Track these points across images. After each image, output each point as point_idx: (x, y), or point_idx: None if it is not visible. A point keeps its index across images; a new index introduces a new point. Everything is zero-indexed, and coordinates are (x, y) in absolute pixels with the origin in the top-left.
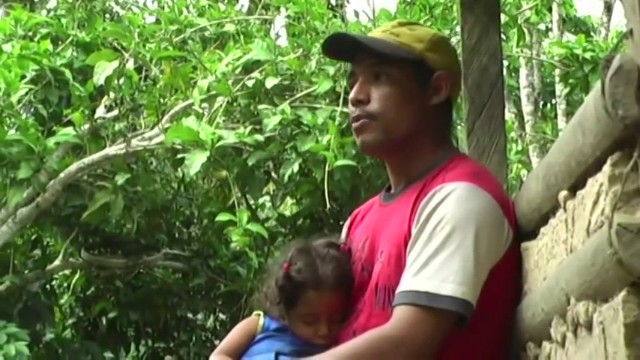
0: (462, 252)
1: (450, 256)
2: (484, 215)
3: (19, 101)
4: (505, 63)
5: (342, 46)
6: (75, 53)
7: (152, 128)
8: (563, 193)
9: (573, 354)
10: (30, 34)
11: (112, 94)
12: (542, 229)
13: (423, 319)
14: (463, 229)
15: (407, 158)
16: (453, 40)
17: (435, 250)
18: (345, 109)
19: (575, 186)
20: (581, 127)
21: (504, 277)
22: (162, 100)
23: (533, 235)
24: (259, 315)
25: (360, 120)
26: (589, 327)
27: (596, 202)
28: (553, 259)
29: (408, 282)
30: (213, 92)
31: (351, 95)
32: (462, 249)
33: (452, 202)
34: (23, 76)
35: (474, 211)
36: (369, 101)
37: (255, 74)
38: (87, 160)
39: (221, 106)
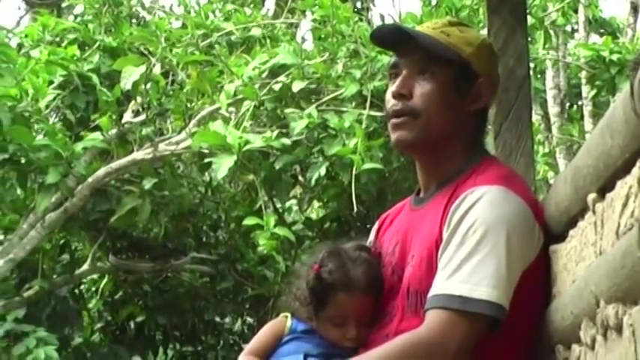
0: (494, 255)
1: (483, 259)
2: (516, 219)
3: (47, 107)
4: (531, 65)
5: (390, 37)
6: (102, 58)
7: (179, 133)
8: (592, 196)
9: (603, 357)
10: (57, 39)
11: (139, 99)
12: (571, 232)
13: (457, 323)
14: (495, 233)
15: (438, 159)
16: None
17: (468, 254)
18: (371, 112)
19: (604, 188)
20: (610, 129)
21: (534, 280)
22: (189, 105)
23: (561, 237)
24: (287, 317)
25: (401, 116)
26: (619, 330)
27: (625, 205)
28: (582, 261)
29: (441, 285)
30: (240, 96)
31: (394, 88)
32: (494, 252)
33: (484, 205)
34: (51, 82)
35: (506, 215)
36: (411, 97)
37: (282, 78)
38: (114, 164)
39: (248, 110)
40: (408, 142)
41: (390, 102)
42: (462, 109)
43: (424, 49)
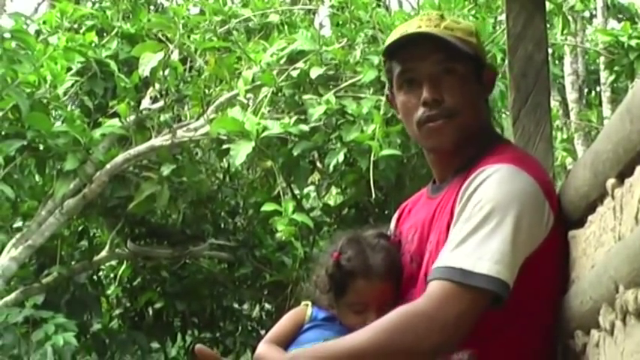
0: (500, 231)
1: (488, 234)
2: (525, 197)
3: (65, 93)
4: (549, 51)
5: (399, 44)
6: (120, 45)
7: (197, 119)
8: (611, 181)
9: (622, 342)
10: (75, 26)
11: (157, 86)
12: (590, 217)
13: (457, 295)
14: (502, 210)
15: (457, 151)
16: (498, 28)
17: (474, 229)
18: None
19: (623, 173)
20: (629, 114)
21: (547, 263)
22: (207, 91)
23: (580, 223)
24: (307, 305)
25: (438, 121)
26: (638, 315)
27: None
28: (601, 247)
29: (445, 258)
30: (258, 83)
31: (426, 95)
32: (500, 229)
33: (493, 182)
34: (69, 68)
35: (514, 192)
36: (443, 99)
37: (300, 64)
38: (133, 151)
39: (266, 96)
40: (451, 145)
41: (420, 109)
42: (481, 100)
43: (445, 48)
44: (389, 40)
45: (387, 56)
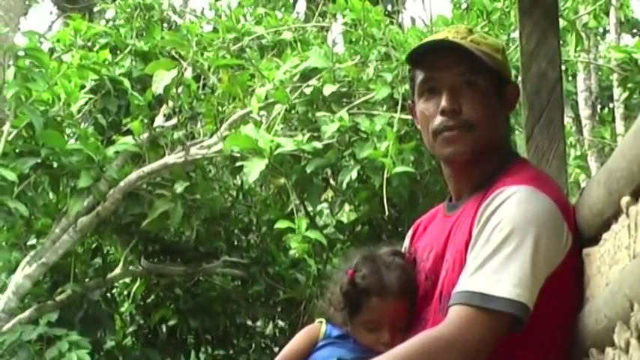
0: (519, 254)
1: (508, 257)
2: (544, 218)
3: (78, 111)
4: (563, 68)
5: (424, 51)
6: (133, 62)
7: (211, 136)
8: (626, 199)
9: None
10: (89, 44)
11: (170, 103)
12: (604, 235)
13: (477, 319)
14: (522, 232)
15: (474, 167)
16: (511, 45)
17: (493, 252)
18: (403, 116)
19: (638, 191)
20: None
21: (565, 282)
22: (220, 109)
23: (594, 240)
24: (321, 322)
25: (455, 130)
26: None
27: None
28: (615, 264)
29: (464, 282)
30: (271, 100)
31: (445, 104)
32: (519, 251)
33: (512, 204)
34: (83, 86)
35: (533, 214)
36: (460, 110)
37: (313, 82)
38: (146, 168)
39: (279, 113)
40: (466, 156)
41: (438, 118)
42: (501, 116)
43: (468, 60)
44: (415, 47)
45: (411, 64)
